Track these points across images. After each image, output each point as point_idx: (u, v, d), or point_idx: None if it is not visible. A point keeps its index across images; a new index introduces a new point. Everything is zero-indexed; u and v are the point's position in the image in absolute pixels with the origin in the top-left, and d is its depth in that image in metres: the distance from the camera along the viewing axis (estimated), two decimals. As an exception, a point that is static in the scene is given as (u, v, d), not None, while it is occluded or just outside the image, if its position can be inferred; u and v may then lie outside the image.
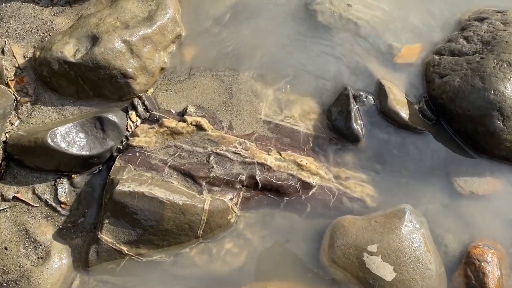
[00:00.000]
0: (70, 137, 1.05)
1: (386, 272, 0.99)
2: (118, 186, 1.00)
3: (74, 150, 1.05)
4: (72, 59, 1.08)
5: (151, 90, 1.18)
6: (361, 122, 1.16)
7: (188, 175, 1.06)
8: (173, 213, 0.99)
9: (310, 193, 1.10)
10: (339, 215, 1.09)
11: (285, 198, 1.10)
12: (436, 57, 1.20)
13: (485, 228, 1.08)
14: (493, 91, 1.04)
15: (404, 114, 1.14)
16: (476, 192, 1.10)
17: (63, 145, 1.04)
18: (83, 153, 1.06)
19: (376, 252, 1.00)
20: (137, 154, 1.08)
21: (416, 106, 1.17)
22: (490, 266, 1.02)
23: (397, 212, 1.06)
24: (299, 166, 1.10)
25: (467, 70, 1.10)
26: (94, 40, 1.10)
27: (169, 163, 1.07)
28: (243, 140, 1.12)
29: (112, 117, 1.09)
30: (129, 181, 1.01)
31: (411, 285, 0.97)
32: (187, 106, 1.15)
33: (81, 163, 1.08)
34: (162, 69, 1.20)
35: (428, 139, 1.15)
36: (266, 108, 1.19)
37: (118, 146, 1.11)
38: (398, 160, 1.14)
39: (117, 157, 1.08)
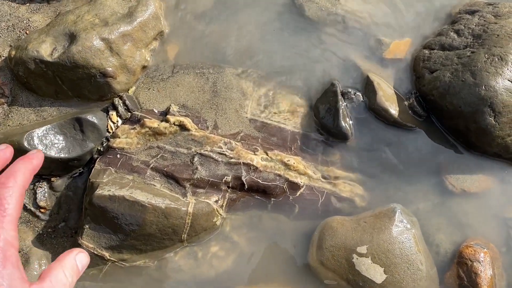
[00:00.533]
0: (47, 140, 1.01)
1: (377, 274, 0.96)
2: (97, 190, 0.96)
3: (52, 153, 1.01)
4: (49, 59, 1.04)
5: (133, 89, 1.14)
6: (350, 120, 1.12)
7: (171, 177, 1.03)
8: (156, 217, 0.96)
9: (298, 193, 1.07)
10: (327, 215, 1.06)
11: (272, 199, 1.06)
12: (426, 51, 1.16)
13: (477, 227, 1.06)
14: (484, 87, 1.01)
15: (394, 111, 1.11)
16: (468, 190, 1.08)
17: (40, 148, 1.00)
18: (62, 155, 1.02)
19: (366, 254, 0.97)
20: (118, 156, 1.04)
21: (406, 103, 1.14)
22: (483, 266, 0.99)
23: (387, 212, 1.03)
24: (287, 165, 1.07)
25: (458, 65, 1.07)
26: (72, 38, 1.06)
27: (151, 165, 1.03)
28: (229, 140, 1.08)
29: (91, 118, 1.05)
30: (109, 185, 0.98)
31: (402, 286, 0.95)
32: (170, 105, 1.11)
33: (61, 166, 1.04)
34: (144, 67, 1.16)
35: (418, 137, 1.12)
36: (252, 106, 1.15)
37: (99, 148, 1.07)
38: (387, 158, 1.11)
39: (97, 160, 1.04)
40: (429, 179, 1.09)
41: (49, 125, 1.02)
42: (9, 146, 0.59)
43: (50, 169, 1.04)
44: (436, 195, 1.08)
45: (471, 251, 1.01)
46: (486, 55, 1.04)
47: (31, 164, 0.58)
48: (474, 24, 1.14)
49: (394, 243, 0.98)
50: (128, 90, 1.13)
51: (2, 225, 0.51)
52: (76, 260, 0.58)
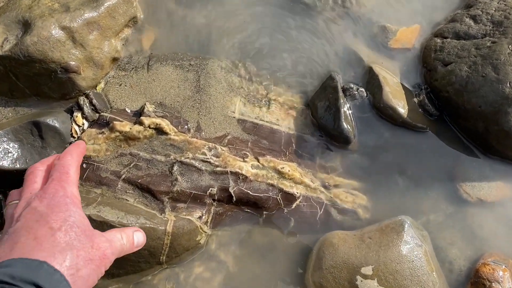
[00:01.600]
0: (0, 148, 0.86)
1: (383, 298, 0.84)
2: (59, 208, 0.81)
3: (6, 163, 0.86)
4: (-2, 51, 0.87)
5: (101, 85, 0.99)
6: (352, 120, 0.98)
7: (146, 190, 0.88)
8: (128, 239, 0.82)
9: (294, 205, 0.93)
10: (327, 230, 0.93)
11: (264, 212, 0.93)
12: (438, 40, 1.02)
13: (495, 240, 0.94)
14: (509, 83, 0.87)
15: (402, 109, 0.97)
16: (484, 199, 0.95)
17: (-9, 158, 0.85)
18: (18, 166, 0.87)
19: (372, 275, 0.85)
20: (84, 165, 0.89)
21: (415, 100, 1.00)
22: (502, 286, 0.88)
23: (394, 225, 0.91)
24: (281, 174, 0.93)
25: (476, 57, 0.93)
26: (26, 27, 0.89)
27: (123, 176, 0.88)
28: (213, 144, 0.94)
29: (51, 121, 0.89)
30: (73, 201, 0.83)
31: (412, 311, 0.83)
32: (145, 104, 0.96)
33: (18, 178, 0.88)
34: (114, 59, 1.00)
35: (429, 139, 0.99)
36: (240, 104, 1.00)
37: (62, 156, 0.92)
38: (394, 163, 0.98)
39: (60, 170, 0.88)
40: (441, 186, 0.97)
41: (0, 131, 0.86)
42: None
43: (6, 181, 0.88)
44: (448, 204, 0.96)
45: (489, 269, 0.90)
46: (510, 46, 0.90)
47: (79, 147, 0.79)
48: (494, 9, 1.00)
49: (403, 263, 0.86)
50: (96, 86, 0.98)
51: (68, 183, 0.67)
52: (134, 234, 0.73)
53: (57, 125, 0.90)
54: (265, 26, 1.08)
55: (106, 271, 0.84)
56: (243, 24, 1.08)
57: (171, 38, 1.06)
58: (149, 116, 0.93)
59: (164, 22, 1.07)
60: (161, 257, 0.86)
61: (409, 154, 0.98)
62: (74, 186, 0.69)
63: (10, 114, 0.95)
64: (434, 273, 0.87)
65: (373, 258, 0.86)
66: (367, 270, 0.86)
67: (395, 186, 0.97)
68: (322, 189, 0.95)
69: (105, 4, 0.95)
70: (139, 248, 0.76)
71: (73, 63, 0.91)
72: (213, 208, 0.91)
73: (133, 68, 1.02)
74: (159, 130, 0.92)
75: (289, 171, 0.93)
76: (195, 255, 0.91)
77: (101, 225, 0.81)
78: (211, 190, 0.90)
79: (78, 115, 0.93)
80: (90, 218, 0.81)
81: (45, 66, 0.89)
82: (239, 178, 0.91)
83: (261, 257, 0.92)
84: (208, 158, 0.91)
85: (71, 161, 0.72)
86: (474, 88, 0.90)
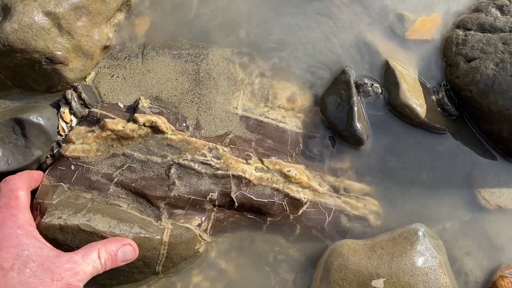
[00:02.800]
0: (-22, 148, 0.78)
1: (395, 313, 0.79)
2: (45, 216, 0.74)
3: (-15, 165, 0.78)
4: (-25, 39, 0.78)
5: (91, 76, 0.90)
6: (366, 119, 0.91)
7: (141, 195, 0.81)
8: (121, 250, 0.75)
9: (300, 211, 0.86)
10: (336, 238, 0.87)
11: (268, 218, 0.86)
12: (460, 32, 0.93)
13: (513, 250, 0.88)
14: (541, 86, 0.79)
15: (420, 108, 0.89)
16: (504, 206, 0.89)
17: (-32, 160, 0.76)
18: (-1, 168, 0.79)
19: (383, 289, 0.80)
20: (72, 167, 0.81)
21: (433, 97, 0.92)
22: (520, 301, 0.83)
23: (408, 234, 0.85)
24: (287, 177, 0.86)
25: (504, 54, 0.84)
26: (6, 11, 0.80)
27: (115, 179, 0.81)
28: (214, 144, 0.86)
29: (35, 118, 0.81)
30: (60, 208, 0.75)
31: (425, 327, 0.78)
32: (139, 98, 0.87)
33: (-2, 180, 0.80)
34: (106, 47, 0.91)
35: (447, 140, 0.91)
36: (243, 99, 0.92)
37: (48, 156, 0.83)
38: (409, 167, 0.91)
39: (46, 173, 0.80)
40: (458, 192, 0.90)
41: (-22, 130, 0.78)
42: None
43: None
44: (465, 211, 0.90)
45: (507, 282, 0.84)
46: (542, 42, 0.82)
47: (32, 172, 0.76)
48: (523, -1, 0.91)
49: (417, 276, 0.80)
50: (85, 78, 0.89)
51: (18, 209, 0.64)
52: (120, 249, 0.68)
53: (42, 122, 0.81)
54: (274, 14, 0.99)
55: (97, 282, 0.79)
56: (247, 10, 0.99)
57: (168, 24, 0.96)
58: (144, 112, 0.85)
59: (160, 5, 0.97)
60: (156, 267, 0.80)
61: (425, 156, 0.91)
62: (25, 211, 0.66)
63: (-10, 107, 0.86)
64: (449, 286, 0.81)
65: (385, 271, 0.81)
66: (379, 283, 0.80)
67: (409, 191, 0.90)
68: (331, 194, 0.88)
69: (95, -14, 0.85)
70: (126, 263, 0.72)
71: (59, 53, 0.82)
72: (213, 214, 0.84)
73: (126, 57, 0.92)
74: (155, 129, 0.84)
75: (296, 174, 0.86)
76: (193, 263, 0.85)
77: (91, 236, 0.74)
78: (211, 195, 0.82)
79: (65, 110, 0.85)
80: (79, 228, 0.73)
81: (27, 57, 0.80)
82: (241, 182, 0.83)
83: (264, 266, 0.86)
84: (208, 160, 0.84)
85: (19, 183, 0.68)
86: (502, 89, 0.82)
